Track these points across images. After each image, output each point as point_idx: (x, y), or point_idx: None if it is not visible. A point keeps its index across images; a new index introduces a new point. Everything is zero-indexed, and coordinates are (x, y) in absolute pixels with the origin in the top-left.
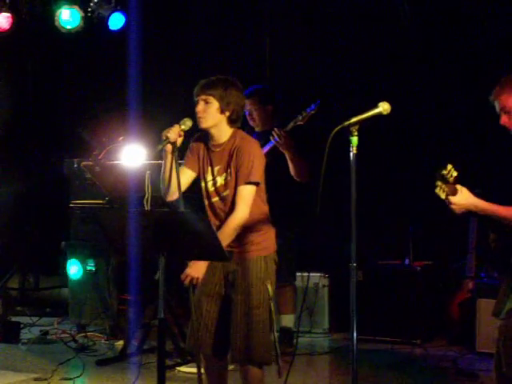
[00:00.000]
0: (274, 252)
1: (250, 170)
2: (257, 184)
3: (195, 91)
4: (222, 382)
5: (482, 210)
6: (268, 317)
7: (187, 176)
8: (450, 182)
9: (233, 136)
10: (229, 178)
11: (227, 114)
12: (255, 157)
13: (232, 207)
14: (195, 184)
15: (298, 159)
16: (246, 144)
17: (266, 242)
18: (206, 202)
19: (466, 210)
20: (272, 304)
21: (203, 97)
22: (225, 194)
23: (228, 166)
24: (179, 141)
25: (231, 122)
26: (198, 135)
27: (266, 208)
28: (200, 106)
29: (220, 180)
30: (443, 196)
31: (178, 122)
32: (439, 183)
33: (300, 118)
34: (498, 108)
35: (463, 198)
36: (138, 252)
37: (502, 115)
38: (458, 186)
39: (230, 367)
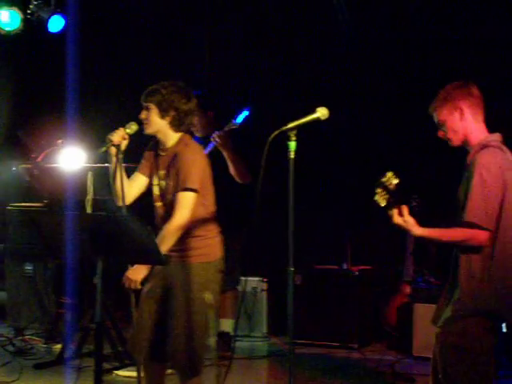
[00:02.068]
0: (219, 260)
1: (188, 176)
2: (195, 191)
3: (141, 98)
4: None
5: (422, 237)
6: (204, 324)
7: (140, 181)
8: (390, 190)
9: (179, 141)
10: (170, 183)
11: (168, 119)
12: (194, 163)
13: (172, 213)
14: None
15: (238, 159)
16: (186, 150)
17: (207, 248)
18: (155, 206)
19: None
20: (210, 312)
21: (145, 104)
22: (167, 198)
23: (169, 171)
24: (123, 144)
25: (174, 126)
26: (154, 141)
27: (209, 215)
28: (143, 113)
29: (163, 184)
30: (383, 203)
31: (116, 124)
32: (379, 191)
33: (233, 122)
34: (436, 121)
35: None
36: (75, 255)
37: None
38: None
39: (169, 371)
